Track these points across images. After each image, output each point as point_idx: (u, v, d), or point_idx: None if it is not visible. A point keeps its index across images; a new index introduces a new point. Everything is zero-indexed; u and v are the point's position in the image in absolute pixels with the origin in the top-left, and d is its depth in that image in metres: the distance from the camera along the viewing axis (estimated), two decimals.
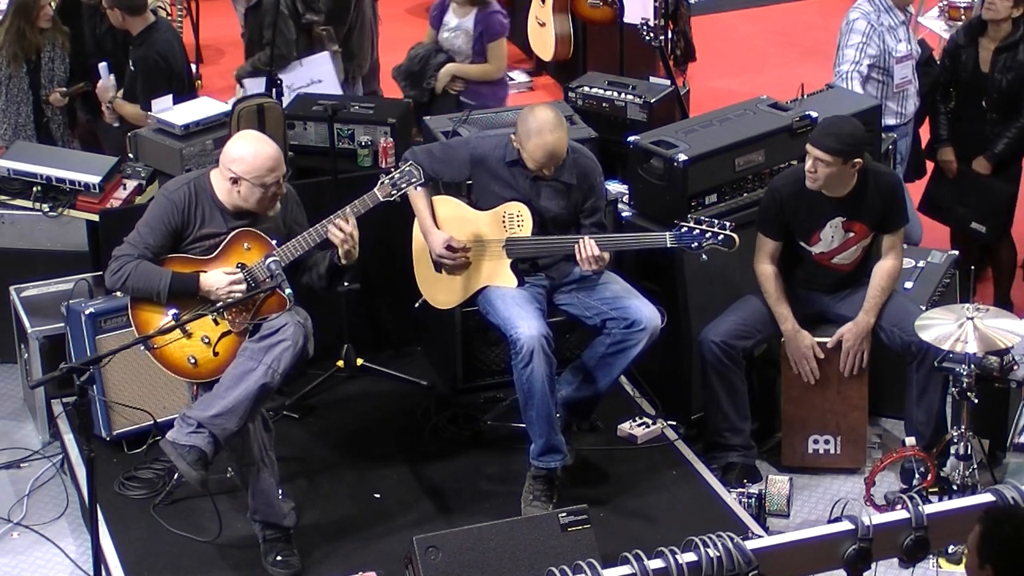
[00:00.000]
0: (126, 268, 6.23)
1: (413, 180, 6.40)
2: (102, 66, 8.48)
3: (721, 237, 6.49)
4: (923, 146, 8.63)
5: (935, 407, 6.94)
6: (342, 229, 6.21)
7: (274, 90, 8.41)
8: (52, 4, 8.55)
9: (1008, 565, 4.33)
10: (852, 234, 6.96)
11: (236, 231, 6.26)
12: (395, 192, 6.38)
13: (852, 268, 7.05)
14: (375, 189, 6.38)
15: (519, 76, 11.19)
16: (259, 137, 6.37)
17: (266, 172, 6.17)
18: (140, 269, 6.22)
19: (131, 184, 7.83)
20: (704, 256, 6.56)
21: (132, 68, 8.45)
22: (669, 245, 6.57)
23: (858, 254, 7.02)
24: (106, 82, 8.48)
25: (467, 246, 6.73)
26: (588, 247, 6.48)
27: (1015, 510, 4.65)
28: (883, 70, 8.17)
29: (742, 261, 7.04)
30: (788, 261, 7.06)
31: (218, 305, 6.18)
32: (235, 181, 6.20)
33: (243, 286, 6.21)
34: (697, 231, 6.50)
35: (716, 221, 6.53)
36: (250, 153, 6.20)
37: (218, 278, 6.22)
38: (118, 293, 6.76)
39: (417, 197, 6.72)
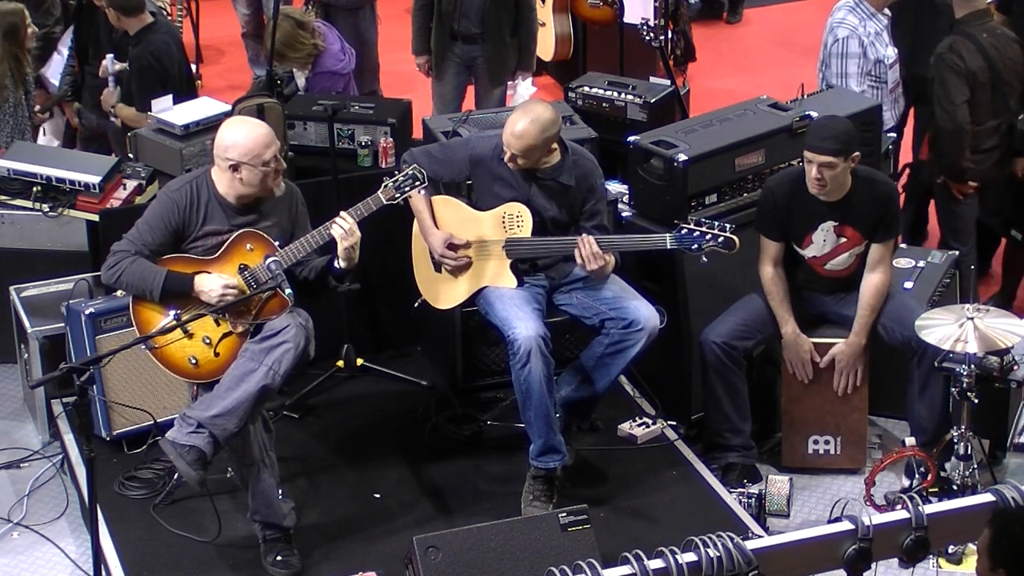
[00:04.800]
0: (122, 264, 6.24)
1: (417, 183, 6.40)
2: (109, 57, 8.49)
3: (721, 239, 6.48)
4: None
5: (938, 401, 6.93)
6: (343, 228, 6.21)
7: (275, 89, 8.41)
8: (35, 26, 8.56)
9: (1022, 567, 4.33)
10: (844, 239, 6.95)
11: (240, 232, 6.26)
12: (398, 196, 6.37)
13: (848, 275, 7.04)
14: (378, 192, 6.36)
15: (519, 76, 11.16)
16: (245, 120, 6.42)
17: (263, 148, 6.18)
18: (135, 266, 6.22)
19: (131, 184, 7.82)
20: (704, 258, 6.55)
21: (128, 68, 8.46)
22: (669, 247, 6.57)
23: (852, 261, 7.01)
24: (111, 89, 8.49)
25: (468, 244, 6.73)
26: (588, 244, 6.48)
27: (1023, 511, 4.64)
28: (876, 77, 8.15)
29: (742, 261, 7.04)
30: (788, 263, 7.06)
31: (216, 306, 6.18)
32: (235, 168, 6.20)
33: (235, 292, 6.20)
34: (697, 233, 6.50)
35: (716, 223, 6.53)
36: (243, 135, 6.22)
37: (211, 283, 6.21)
38: (119, 293, 6.78)
39: (417, 198, 6.72)
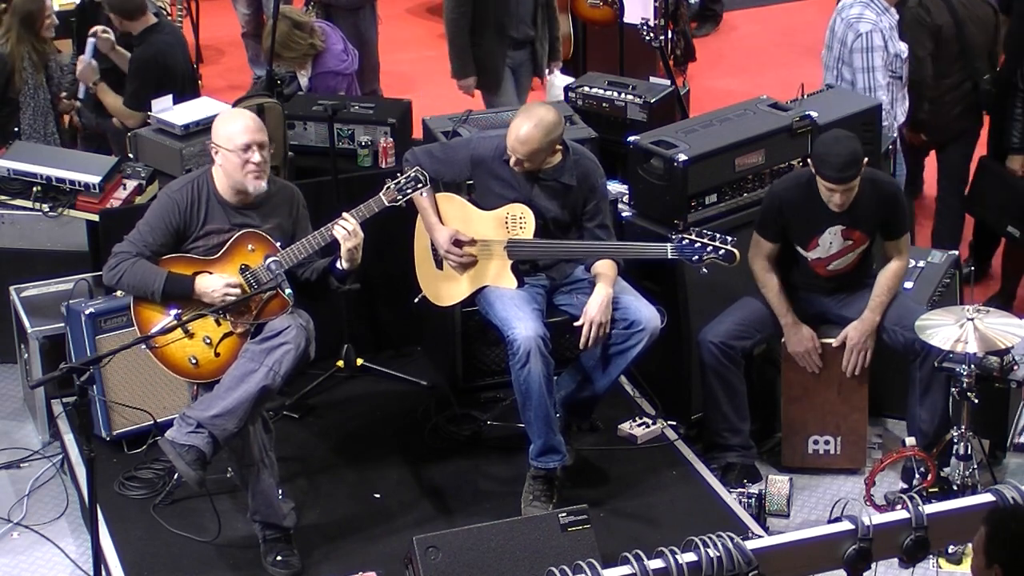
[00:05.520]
0: (123, 265, 6.24)
1: (419, 185, 6.40)
2: (90, 40, 8.49)
3: (722, 252, 6.45)
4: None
5: (939, 406, 6.93)
6: (346, 229, 6.21)
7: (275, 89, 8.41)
8: (54, 16, 8.58)
9: (1017, 564, 4.33)
10: (851, 242, 6.96)
11: (241, 233, 6.26)
12: (400, 197, 6.37)
13: (849, 272, 7.05)
14: (380, 194, 6.36)
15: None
16: (235, 111, 6.52)
17: (238, 133, 6.20)
18: (136, 267, 6.22)
19: (131, 184, 7.83)
20: (704, 270, 6.53)
21: (129, 67, 8.48)
22: (670, 257, 6.54)
23: (854, 259, 7.01)
24: (88, 62, 8.48)
25: (473, 241, 6.73)
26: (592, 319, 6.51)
27: (1019, 509, 4.65)
28: (893, 71, 8.13)
29: (742, 262, 7.02)
30: (786, 263, 7.06)
31: (219, 306, 6.18)
32: (216, 153, 6.25)
33: (238, 291, 6.21)
34: (698, 244, 6.46)
35: (718, 235, 6.49)
36: (223, 121, 6.30)
37: (213, 282, 6.21)
38: (119, 293, 6.79)
39: (421, 195, 6.72)
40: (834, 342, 7.03)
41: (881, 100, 7.98)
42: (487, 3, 8.90)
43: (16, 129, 8.43)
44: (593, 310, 6.50)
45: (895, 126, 8.23)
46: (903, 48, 8.19)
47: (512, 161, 6.59)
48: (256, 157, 6.21)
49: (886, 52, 8.07)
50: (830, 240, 6.95)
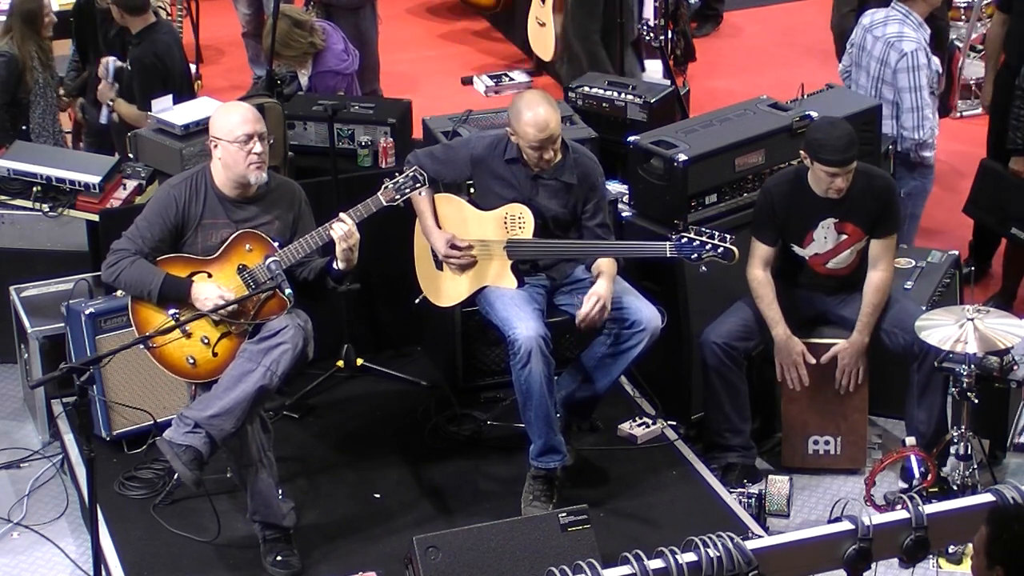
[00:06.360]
0: (121, 263, 6.24)
1: (417, 185, 6.40)
2: (110, 60, 8.49)
3: (721, 250, 6.44)
4: None
5: (936, 407, 6.94)
6: (342, 229, 6.21)
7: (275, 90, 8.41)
8: (53, 14, 8.61)
9: (1020, 565, 4.33)
10: (845, 236, 6.96)
11: (239, 232, 6.26)
12: (398, 197, 6.37)
13: (849, 272, 7.04)
14: (378, 193, 6.36)
15: (519, 76, 11.18)
16: (231, 104, 6.51)
17: (237, 124, 6.20)
18: (135, 267, 6.22)
19: (131, 184, 7.83)
20: (703, 268, 6.53)
21: (129, 67, 8.47)
22: (669, 255, 6.53)
23: (853, 258, 7.01)
24: (107, 83, 8.49)
25: (471, 243, 6.72)
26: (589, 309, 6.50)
27: (1022, 510, 4.65)
28: (931, 88, 8.07)
29: (743, 262, 7.03)
30: (787, 266, 7.05)
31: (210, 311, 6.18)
32: (216, 147, 6.25)
33: (231, 302, 6.20)
34: (697, 243, 6.45)
35: (717, 233, 6.49)
36: (221, 114, 6.31)
37: (208, 291, 6.21)
38: (119, 293, 6.79)
39: (419, 197, 6.72)
40: (824, 359, 7.02)
41: (928, 117, 7.94)
42: (611, 10, 8.89)
43: (25, 127, 8.44)
44: (600, 290, 6.49)
45: (933, 142, 8.14)
46: (937, 62, 8.14)
47: (537, 158, 6.54)
48: (258, 147, 6.22)
49: (929, 69, 8.01)
50: (824, 235, 6.95)
